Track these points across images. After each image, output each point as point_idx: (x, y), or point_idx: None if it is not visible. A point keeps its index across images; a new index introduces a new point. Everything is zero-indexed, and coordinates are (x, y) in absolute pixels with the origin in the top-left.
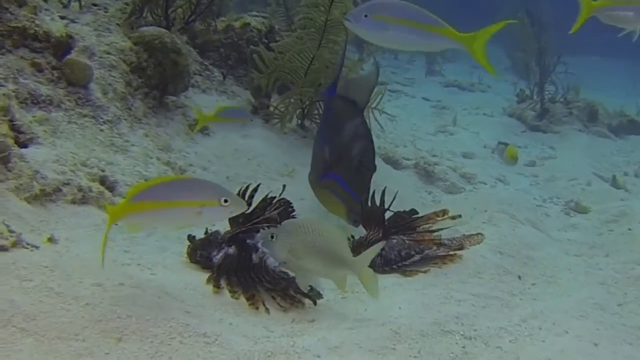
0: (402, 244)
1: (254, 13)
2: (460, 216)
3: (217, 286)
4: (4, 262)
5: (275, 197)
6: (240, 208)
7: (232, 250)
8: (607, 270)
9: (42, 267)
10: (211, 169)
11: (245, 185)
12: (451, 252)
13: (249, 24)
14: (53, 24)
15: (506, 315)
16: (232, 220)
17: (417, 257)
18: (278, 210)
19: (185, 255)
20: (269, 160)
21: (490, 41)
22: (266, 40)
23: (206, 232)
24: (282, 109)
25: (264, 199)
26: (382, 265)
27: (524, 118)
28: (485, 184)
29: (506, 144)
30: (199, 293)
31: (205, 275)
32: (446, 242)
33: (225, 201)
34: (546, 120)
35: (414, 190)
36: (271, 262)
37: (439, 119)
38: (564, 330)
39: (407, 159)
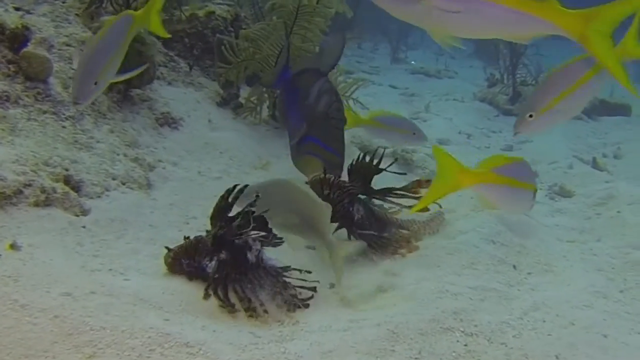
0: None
1: (218, 1)
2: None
3: (220, 299)
4: None
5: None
6: None
7: (224, 255)
8: (602, 256)
9: (4, 277)
10: (182, 164)
11: (232, 186)
12: (411, 242)
13: (213, 12)
14: (7, 15)
15: (506, 308)
16: (214, 223)
17: (373, 233)
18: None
19: (164, 266)
20: (242, 154)
21: None
22: (232, 29)
23: (186, 238)
24: (254, 101)
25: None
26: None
27: (496, 102)
28: None
29: None
30: (178, 298)
31: (184, 279)
32: (406, 225)
33: None
34: (519, 103)
35: (394, 181)
36: (266, 257)
37: (410, 106)
38: (570, 322)
39: (384, 147)
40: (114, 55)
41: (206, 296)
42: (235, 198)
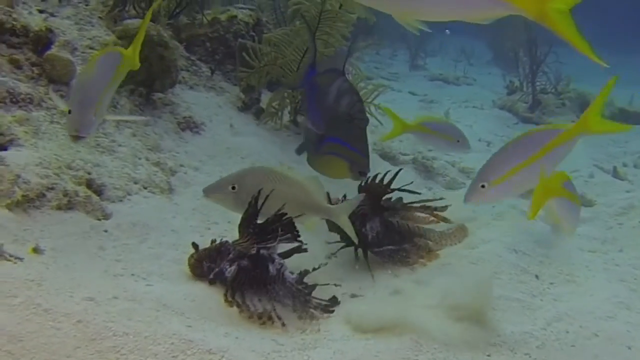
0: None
1: (240, 5)
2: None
3: (238, 305)
4: None
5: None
6: None
7: (245, 262)
8: (625, 267)
9: (27, 281)
10: (203, 169)
11: (257, 192)
12: (432, 250)
13: (235, 16)
14: (31, 18)
15: (529, 319)
16: (242, 229)
17: (392, 247)
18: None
19: (187, 267)
20: (263, 159)
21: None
22: (254, 34)
23: (213, 242)
24: (275, 106)
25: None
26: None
27: (516, 110)
28: None
29: None
30: (200, 304)
31: (206, 285)
32: (428, 235)
33: None
34: (538, 111)
35: (414, 187)
36: (289, 273)
37: (430, 112)
38: (593, 333)
39: (405, 154)
40: (107, 90)
41: (227, 302)
42: (261, 205)
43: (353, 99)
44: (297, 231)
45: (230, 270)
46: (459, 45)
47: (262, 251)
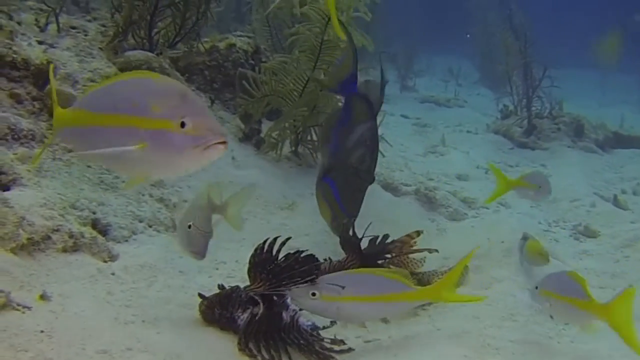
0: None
1: (238, 33)
2: (436, 250)
3: (252, 355)
4: None
5: (301, 251)
6: None
7: (258, 309)
8: (637, 303)
9: (37, 333)
10: None
11: (272, 238)
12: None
13: (234, 44)
14: (31, 50)
15: None
16: (255, 275)
17: None
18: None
19: (198, 313)
20: (267, 193)
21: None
22: (252, 62)
23: (220, 287)
24: (275, 136)
25: (290, 254)
26: None
27: (511, 135)
28: (487, 208)
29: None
30: (213, 353)
31: (217, 331)
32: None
33: None
34: (534, 136)
35: (418, 219)
36: (303, 321)
37: (425, 138)
38: None
39: (406, 185)
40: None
41: (240, 350)
42: (278, 251)
43: (367, 155)
44: (317, 268)
45: (242, 317)
46: (445, 65)
47: (275, 298)
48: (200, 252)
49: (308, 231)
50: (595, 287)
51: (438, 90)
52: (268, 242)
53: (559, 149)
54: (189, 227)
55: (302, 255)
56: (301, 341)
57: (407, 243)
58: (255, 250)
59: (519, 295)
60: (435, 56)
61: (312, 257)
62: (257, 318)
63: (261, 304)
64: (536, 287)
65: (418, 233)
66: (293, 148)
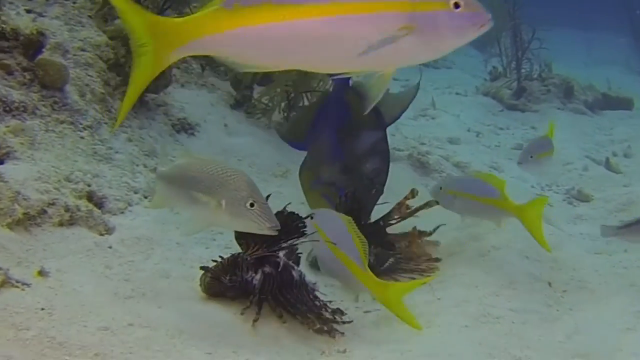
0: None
1: None
2: (436, 202)
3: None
4: None
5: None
6: None
7: (268, 269)
8: (633, 269)
9: (38, 311)
10: None
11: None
12: (430, 263)
13: None
14: (20, 19)
15: (549, 332)
16: (247, 242)
17: (392, 260)
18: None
19: (199, 285)
20: (261, 160)
21: None
22: None
23: (220, 258)
24: (266, 102)
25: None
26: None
27: (500, 97)
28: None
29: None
30: (216, 327)
31: (219, 304)
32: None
33: None
34: (524, 98)
35: (412, 185)
36: (309, 280)
37: (414, 100)
38: (617, 347)
39: (399, 150)
40: None
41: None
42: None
43: (381, 168)
44: (304, 225)
45: (256, 277)
46: None
47: (277, 259)
48: (278, 224)
49: (303, 199)
50: (591, 253)
51: None
52: None
53: (548, 111)
54: (251, 205)
55: (286, 214)
56: (315, 302)
57: (403, 204)
58: None
59: (517, 263)
60: None
61: (294, 214)
62: (270, 276)
63: (268, 265)
64: (440, 188)
65: (413, 194)
66: (285, 114)
